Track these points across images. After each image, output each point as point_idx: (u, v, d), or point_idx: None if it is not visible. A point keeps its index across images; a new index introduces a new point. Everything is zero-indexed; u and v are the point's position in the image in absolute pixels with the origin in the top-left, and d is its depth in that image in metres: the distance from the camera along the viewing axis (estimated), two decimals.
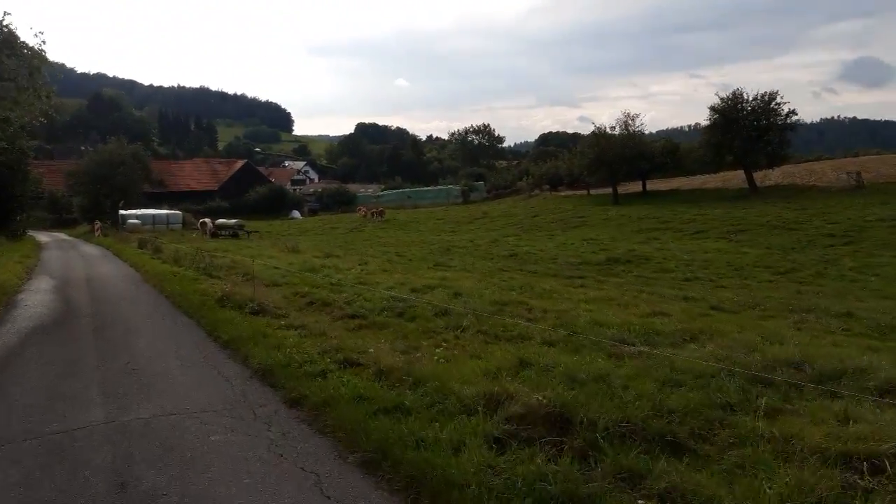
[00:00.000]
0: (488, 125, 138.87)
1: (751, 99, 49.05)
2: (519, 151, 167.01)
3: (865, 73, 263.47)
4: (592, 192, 63.73)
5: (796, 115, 47.51)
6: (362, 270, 20.53)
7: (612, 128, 54.68)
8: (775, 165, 48.44)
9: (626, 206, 49.79)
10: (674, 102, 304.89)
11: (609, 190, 61.16)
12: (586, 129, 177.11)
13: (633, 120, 54.10)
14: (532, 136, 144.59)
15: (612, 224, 41.29)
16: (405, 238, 42.73)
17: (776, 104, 48.30)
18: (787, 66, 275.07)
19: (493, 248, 31.99)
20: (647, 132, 55.07)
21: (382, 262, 24.10)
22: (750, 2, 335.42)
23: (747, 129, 48.70)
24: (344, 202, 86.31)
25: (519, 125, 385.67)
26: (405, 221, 58.43)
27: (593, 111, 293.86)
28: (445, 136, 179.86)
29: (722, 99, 49.88)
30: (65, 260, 28.83)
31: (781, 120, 47.87)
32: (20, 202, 38.93)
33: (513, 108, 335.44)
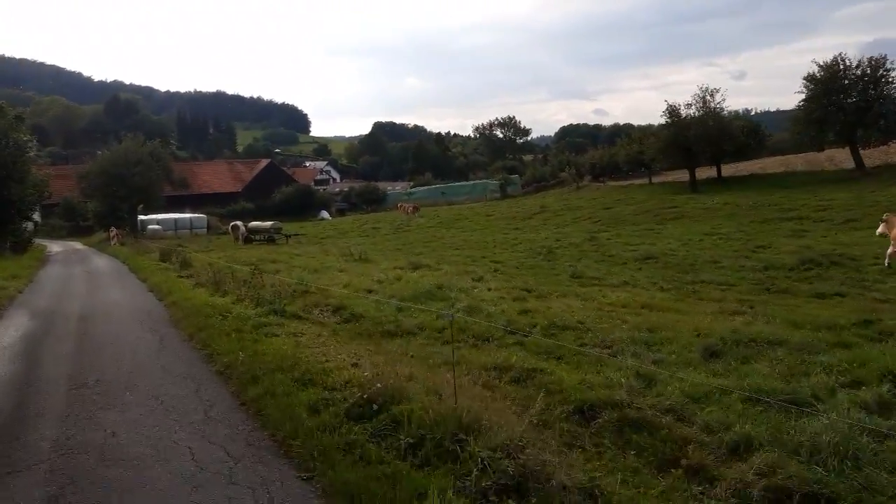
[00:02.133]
0: (513, 117, 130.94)
1: (855, 66, 41.11)
2: (538, 145, 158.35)
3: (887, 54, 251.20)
4: (654, 180, 56.10)
5: None
6: (497, 294, 12.98)
7: (689, 105, 46.74)
8: (891, 141, 40.43)
9: (711, 194, 41.97)
10: (690, 92, 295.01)
11: (678, 177, 53.48)
12: (605, 122, 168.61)
13: (712, 96, 46.11)
14: (549, 130, 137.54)
15: (722, 214, 33.50)
16: (470, 238, 35.15)
17: (885, 70, 40.30)
18: (804, 51, 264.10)
19: (605, 249, 24.36)
20: (728, 111, 46.80)
21: (501, 279, 16.51)
22: None
23: (854, 100, 40.81)
24: (374, 201, 78.78)
25: (534, 120, 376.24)
26: (451, 219, 50.80)
27: (608, 104, 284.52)
28: (462, 133, 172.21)
29: (821, 66, 41.93)
30: (65, 280, 21.42)
31: (895, 89, 39.89)
32: (20, 207, 31.63)
33: (527, 102, 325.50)
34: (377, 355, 7.67)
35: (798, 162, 54.48)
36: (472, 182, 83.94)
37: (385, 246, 32.69)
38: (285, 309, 10.80)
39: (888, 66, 40.06)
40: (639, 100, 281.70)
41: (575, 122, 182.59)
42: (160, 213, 55.72)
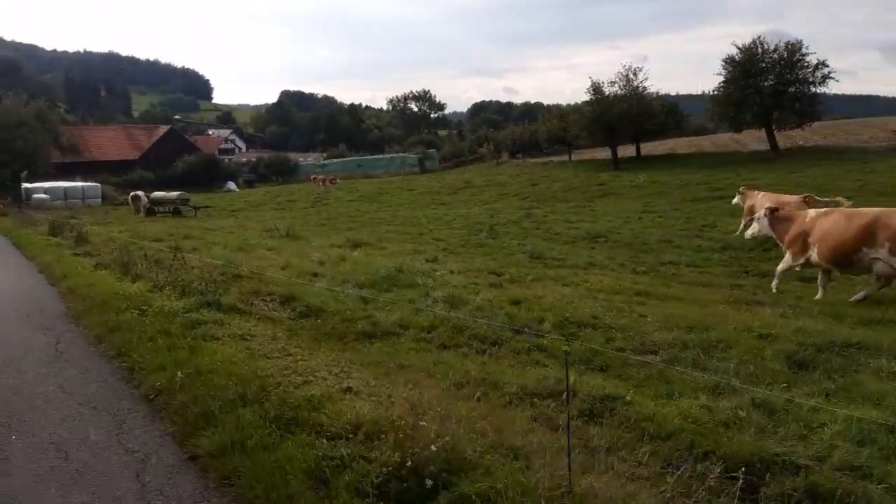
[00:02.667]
0: (429, 91, 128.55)
1: (772, 49, 41.73)
2: (452, 121, 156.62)
3: None
4: (574, 157, 55.79)
5: (827, 66, 40.36)
6: (466, 279, 11.25)
7: (612, 83, 46.24)
8: (805, 125, 41.37)
9: (634, 171, 41.78)
10: (596, 74, 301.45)
11: (597, 154, 53.36)
12: (515, 100, 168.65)
13: (634, 74, 45.81)
14: (461, 107, 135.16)
15: (650, 192, 33.08)
16: (398, 213, 33.16)
17: (800, 55, 41.12)
18: (703, 38, 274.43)
19: (548, 227, 23.07)
20: (650, 89, 46.61)
21: (457, 261, 14.75)
22: None
23: (772, 83, 41.50)
24: (285, 172, 74.82)
25: (445, 96, 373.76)
26: (372, 193, 48.46)
27: (517, 82, 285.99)
28: (374, 106, 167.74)
29: (740, 48, 42.32)
30: None
31: (810, 73, 40.75)
32: None
33: (437, 78, 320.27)
34: (365, 369, 5.75)
35: (705, 143, 55.65)
36: (389, 155, 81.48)
37: (307, 220, 30.12)
38: (220, 300, 8.58)
39: (803, 50, 40.91)
40: (547, 79, 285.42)
41: (487, 99, 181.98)
42: (47, 180, 50.12)
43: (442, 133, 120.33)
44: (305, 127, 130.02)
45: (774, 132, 42.17)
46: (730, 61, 42.69)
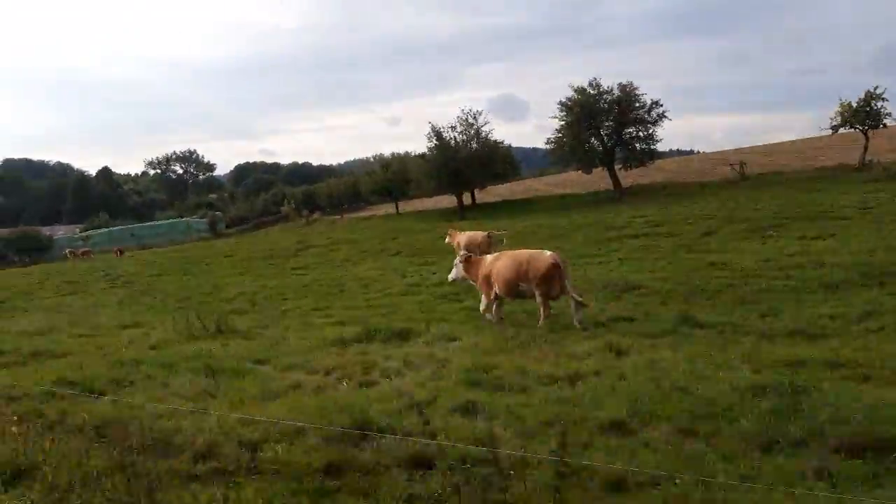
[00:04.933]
0: (195, 151, 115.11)
1: (608, 90, 41.27)
2: (222, 182, 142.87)
3: (507, 108, 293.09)
4: (401, 209, 50.81)
5: (661, 106, 40.72)
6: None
7: (453, 127, 42.38)
8: (647, 162, 41.10)
9: (483, 219, 37.97)
10: (352, 137, 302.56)
11: (427, 205, 49.04)
12: (271, 160, 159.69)
13: (475, 118, 42.50)
14: (220, 170, 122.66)
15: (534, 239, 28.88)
16: (268, 284, 24.82)
17: (635, 95, 41.09)
18: (447, 103, 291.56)
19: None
20: (487, 134, 43.48)
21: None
22: (410, 45, 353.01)
23: (611, 124, 40.90)
24: (38, 249, 59.08)
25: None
26: (179, 263, 38.24)
27: (274, 144, 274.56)
28: (120, 171, 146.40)
29: (576, 90, 41.21)
30: None
31: (644, 112, 40.83)
32: None
33: (187, 142, 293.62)
34: None
35: (538, 186, 54.65)
36: (169, 220, 69.19)
37: (140, 304, 20.65)
38: None
39: (636, 93, 40.91)
40: (305, 141, 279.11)
41: (249, 161, 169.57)
42: None
43: (211, 196, 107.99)
44: (44, 197, 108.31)
45: (617, 171, 41.45)
46: (565, 106, 41.34)
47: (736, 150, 58.32)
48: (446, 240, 22.81)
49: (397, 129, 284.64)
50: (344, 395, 6.24)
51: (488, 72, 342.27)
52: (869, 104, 32.45)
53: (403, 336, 9.35)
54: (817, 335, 8.49)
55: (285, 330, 11.53)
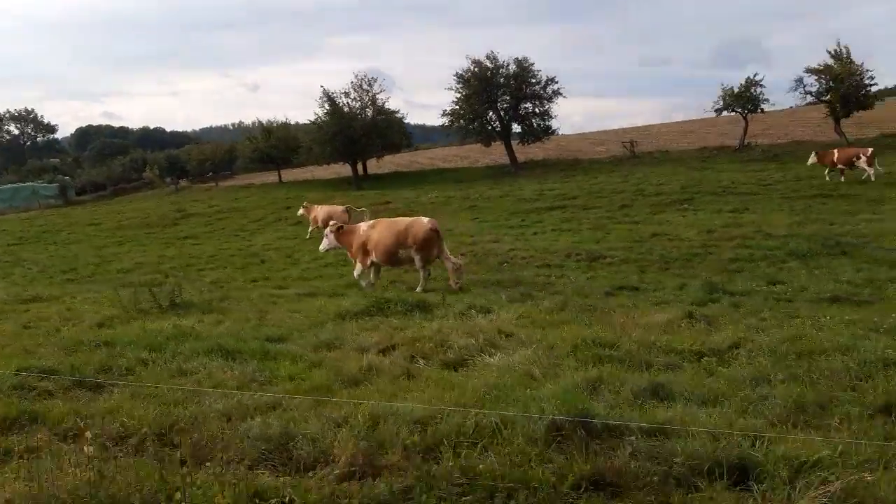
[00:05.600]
0: (33, 110, 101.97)
1: (504, 64, 41.08)
2: (64, 147, 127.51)
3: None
4: (284, 178, 47.81)
5: (557, 83, 41.17)
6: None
7: (346, 93, 40.29)
8: (544, 138, 41.49)
9: (380, 190, 36.73)
10: (208, 103, 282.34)
11: (316, 174, 46.60)
12: (117, 125, 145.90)
13: (370, 85, 40.67)
14: (59, 134, 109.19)
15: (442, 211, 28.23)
16: (143, 259, 22.08)
17: (531, 71, 41.19)
18: (311, 72, 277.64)
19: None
20: (384, 102, 41.80)
21: None
22: (275, 7, 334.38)
23: (508, 98, 40.86)
24: None
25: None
26: (35, 234, 33.70)
27: (119, 107, 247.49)
28: None
29: (475, 62, 40.66)
30: None
31: (540, 89, 41.14)
32: None
33: (20, 101, 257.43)
34: None
35: (422, 160, 53.72)
36: (11, 185, 60.66)
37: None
38: None
39: (532, 68, 41.06)
40: (154, 105, 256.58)
41: (90, 124, 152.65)
42: None
43: (54, 161, 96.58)
44: None
45: (513, 146, 41.54)
46: (463, 78, 40.67)
47: (599, 131, 61.83)
48: (299, 212, 23.25)
49: (256, 95, 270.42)
50: (484, 381, 5.00)
51: (353, 42, 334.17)
52: (749, 90, 34.75)
53: (425, 308, 8.14)
54: (862, 301, 8.40)
55: (255, 304, 9.87)
